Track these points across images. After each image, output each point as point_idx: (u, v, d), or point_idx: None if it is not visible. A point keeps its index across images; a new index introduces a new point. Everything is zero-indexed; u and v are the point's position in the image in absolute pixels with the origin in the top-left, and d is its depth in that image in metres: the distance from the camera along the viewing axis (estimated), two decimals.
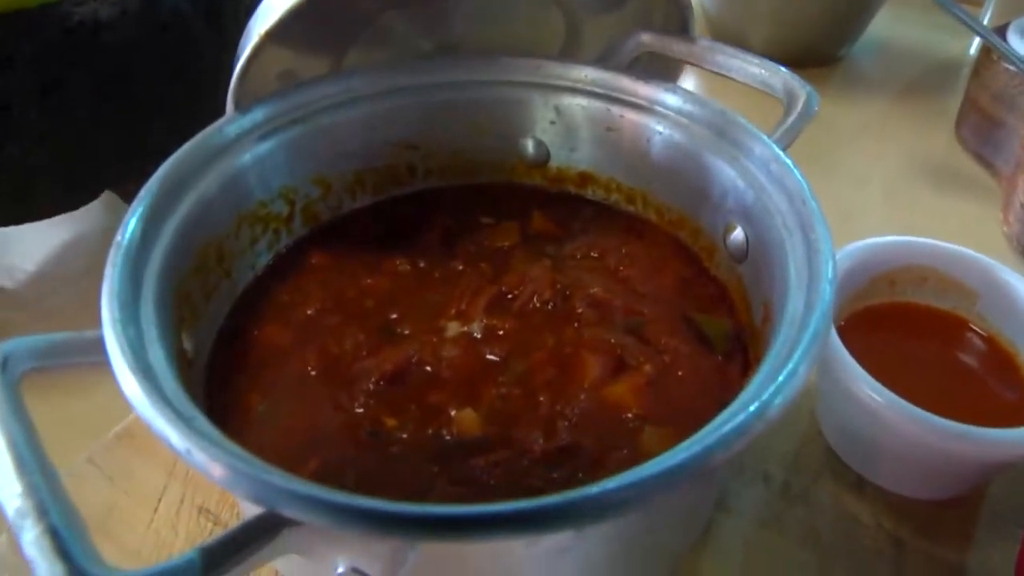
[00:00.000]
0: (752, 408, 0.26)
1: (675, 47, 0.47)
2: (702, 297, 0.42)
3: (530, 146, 0.49)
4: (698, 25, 0.48)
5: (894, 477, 0.43)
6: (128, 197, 0.35)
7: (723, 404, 0.27)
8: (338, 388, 0.37)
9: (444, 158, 0.49)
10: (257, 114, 0.42)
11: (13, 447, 0.25)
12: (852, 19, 0.86)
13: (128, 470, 0.45)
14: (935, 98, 0.83)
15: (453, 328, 0.40)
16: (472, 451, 0.34)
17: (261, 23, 0.39)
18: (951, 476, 0.42)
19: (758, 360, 0.33)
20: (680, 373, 0.37)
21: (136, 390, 0.27)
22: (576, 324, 0.40)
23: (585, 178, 0.49)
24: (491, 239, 0.46)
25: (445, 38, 0.51)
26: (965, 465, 0.40)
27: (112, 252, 0.32)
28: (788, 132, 0.40)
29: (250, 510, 0.25)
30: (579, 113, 0.47)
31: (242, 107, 0.41)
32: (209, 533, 0.42)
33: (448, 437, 0.34)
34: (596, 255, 0.44)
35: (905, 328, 0.47)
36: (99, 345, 0.29)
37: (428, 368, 0.37)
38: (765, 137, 0.39)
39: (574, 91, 0.47)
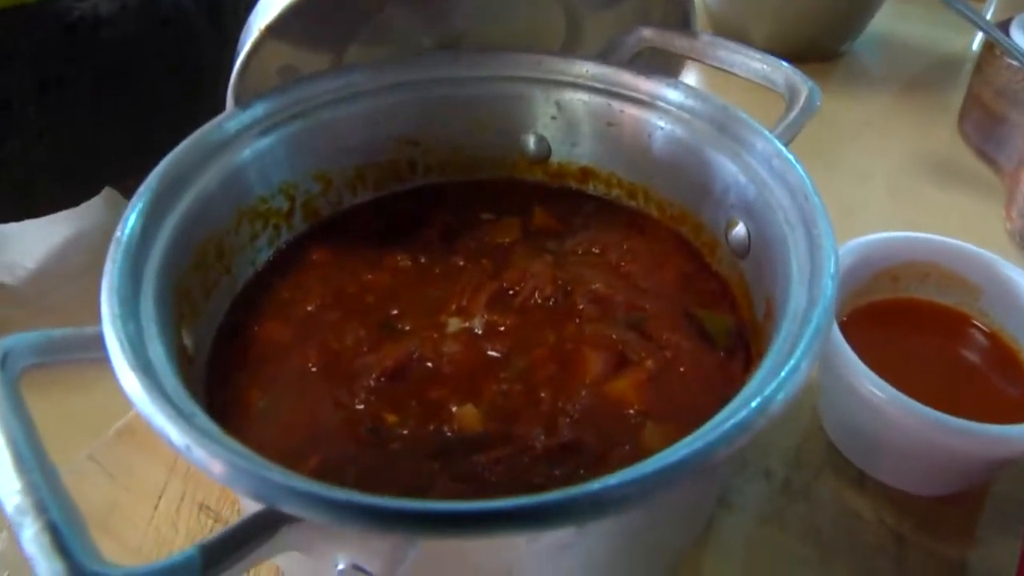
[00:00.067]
0: (754, 404, 0.26)
1: (676, 42, 0.47)
2: (704, 293, 0.42)
3: (531, 142, 0.49)
4: (699, 20, 0.48)
5: (896, 473, 0.43)
6: (128, 193, 0.35)
7: (725, 400, 0.27)
8: (338, 384, 0.37)
9: (445, 154, 0.49)
10: (257, 109, 0.42)
11: (12, 444, 0.25)
12: (854, 14, 0.86)
13: (129, 467, 0.45)
14: (938, 94, 0.83)
15: (454, 324, 0.40)
16: (473, 447, 0.33)
17: (261, 18, 0.39)
18: (953, 472, 0.42)
19: (760, 356, 0.33)
20: (682, 369, 0.37)
21: (136, 386, 0.27)
22: (577, 320, 0.40)
23: (586, 173, 0.49)
24: (492, 235, 0.46)
25: (446, 34, 0.51)
26: (967, 461, 0.40)
27: (112, 248, 0.32)
28: (790, 127, 0.40)
29: (250, 507, 0.24)
30: (580, 108, 0.47)
31: (242, 102, 0.41)
32: (210, 530, 0.42)
33: (449, 433, 0.34)
34: (597, 251, 0.44)
35: (907, 324, 0.47)
36: (99, 341, 0.29)
37: (429, 364, 0.37)
38: (767, 132, 0.39)
39: (575, 86, 0.47)
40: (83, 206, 0.57)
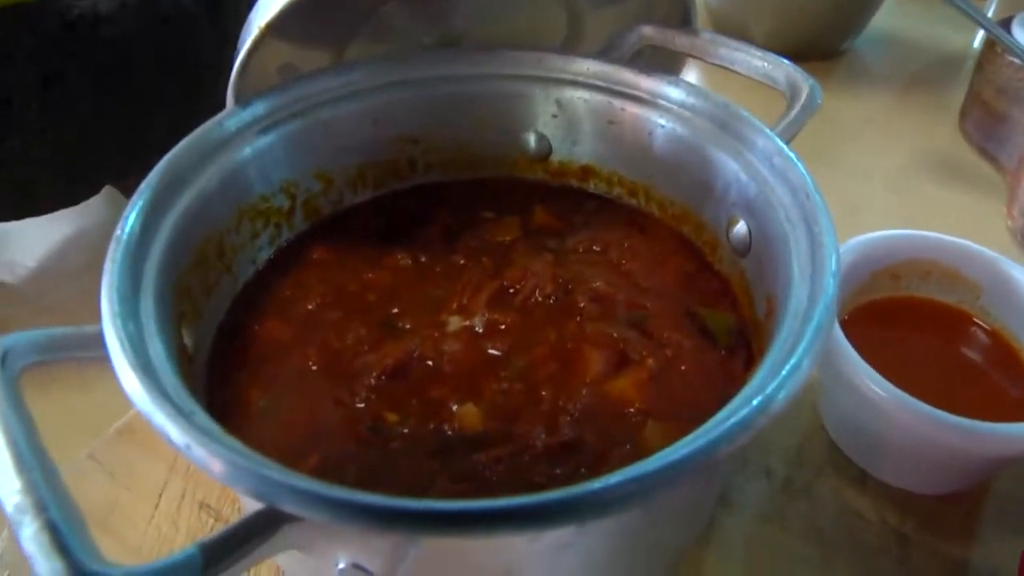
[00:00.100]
0: (755, 402, 0.26)
1: (677, 40, 0.47)
2: (705, 291, 0.42)
3: (532, 140, 0.49)
4: (700, 18, 0.48)
5: (897, 472, 0.43)
6: (129, 192, 0.35)
7: (726, 398, 0.27)
8: (339, 383, 0.37)
9: (445, 152, 0.49)
10: (257, 108, 0.42)
11: (12, 442, 0.25)
12: (855, 12, 0.86)
13: (129, 466, 0.45)
14: (939, 92, 0.83)
15: (455, 323, 0.40)
16: (474, 446, 0.33)
17: (261, 16, 0.39)
18: (955, 471, 0.42)
19: (761, 354, 0.33)
20: (683, 367, 0.37)
21: (136, 385, 0.27)
22: (578, 318, 0.39)
23: (587, 172, 0.49)
24: (492, 233, 0.46)
25: (446, 32, 0.51)
26: (969, 460, 0.40)
27: (112, 246, 0.32)
28: (791, 125, 0.39)
29: (251, 506, 0.24)
30: (581, 106, 0.47)
31: (242, 101, 0.41)
32: (210, 529, 0.42)
33: (450, 432, 0.34)
34: (598, 249, 0.44)
35: (909, 322, 0.47)
36: (99, 340, 0.29)
37: (429, 363, 0.37)
38: (768, 130, 0.38)
39: (576, 84, 0.47)
40: (84, 205, 0.57)
